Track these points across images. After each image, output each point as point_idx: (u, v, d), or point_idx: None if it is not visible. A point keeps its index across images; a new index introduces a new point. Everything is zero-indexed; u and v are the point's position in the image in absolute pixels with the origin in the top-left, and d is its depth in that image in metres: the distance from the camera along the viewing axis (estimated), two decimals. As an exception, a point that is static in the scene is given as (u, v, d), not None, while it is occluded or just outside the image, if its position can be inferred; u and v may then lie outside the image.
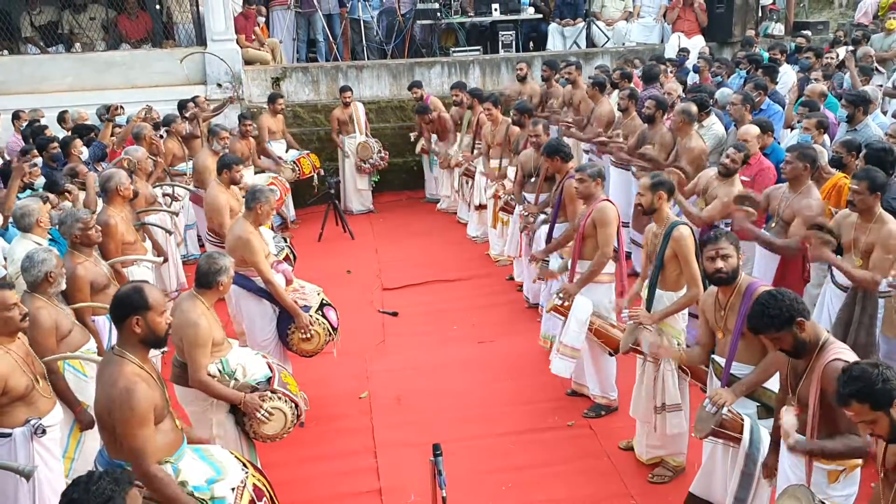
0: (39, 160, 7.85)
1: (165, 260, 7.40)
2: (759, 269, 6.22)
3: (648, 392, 5.09)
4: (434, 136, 11.36)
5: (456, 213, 11.12)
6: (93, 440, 4.55)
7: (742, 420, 4.18)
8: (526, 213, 7.58)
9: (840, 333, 5.10)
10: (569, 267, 6.09)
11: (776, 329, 3.53)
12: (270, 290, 5.90)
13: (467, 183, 10.22)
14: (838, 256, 5.19)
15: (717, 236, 4.29)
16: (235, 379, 4.76)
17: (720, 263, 4.20)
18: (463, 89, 10.84)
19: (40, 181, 7.33)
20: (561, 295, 5.86)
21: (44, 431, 4.21)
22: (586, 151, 9.80)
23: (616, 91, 9.73)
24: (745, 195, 6.08)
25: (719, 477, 4.46)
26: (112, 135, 9.02)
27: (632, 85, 9.59)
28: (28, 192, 6.90)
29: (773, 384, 4.20)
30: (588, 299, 5.76)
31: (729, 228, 6.54)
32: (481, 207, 9.75)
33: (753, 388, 4.21)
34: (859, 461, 3.64)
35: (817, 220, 5.42)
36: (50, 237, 6.00)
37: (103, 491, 2.66)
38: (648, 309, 5.17)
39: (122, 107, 9.71)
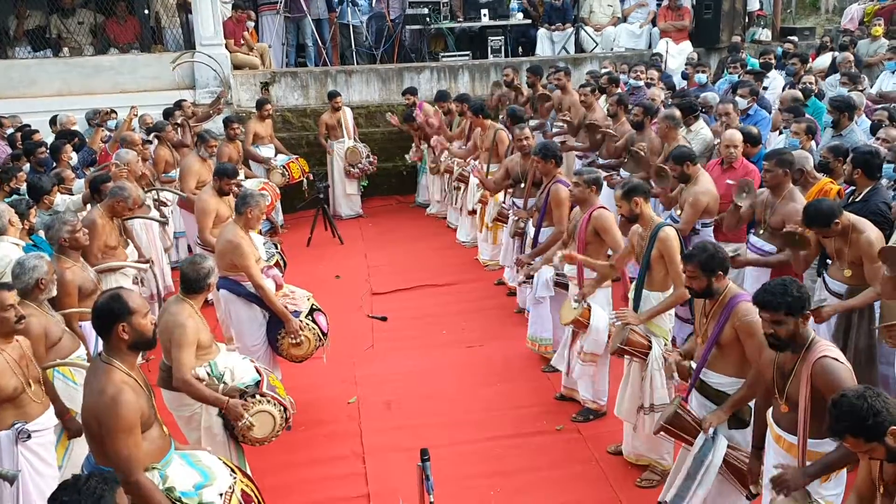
0: (27, 165, 7.82)
1: (144, 270, 7.35)
2: (751, 276, 6.25)
3: (634, 392, 5.13)
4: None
5: (445, 218, 11.13)
6: (81, 448, 4.49)
7: (698, 424, 4.28)
8: (517, 218, 7.59)
9: (840, 340, 5.12)
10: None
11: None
12: (261, 295, 5.90)
13: (459, 188, 10.23)
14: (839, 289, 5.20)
15: (688, 256, 4.32)
16: (224, 382, 4.76)
17: (688, 282, 4.36)
18: (445, 100, 10.84)
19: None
20: (577, 297, 5.83)
21: (29, 436, 4.18)
22: (579, 157, 9.81)
23: (604, 96, 9.77)
24: (745, 182, 6.14)
25: None
26: (102, 140, 8.99)
27: (619, 90, 9.63)
28: (14, 196, 6.87)
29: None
30: (603, 308, 5.80)
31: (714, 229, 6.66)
32: (474, 213, 9.75)
33: (741, 405, 4.27)
34: None
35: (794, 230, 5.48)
36: (32, 243, 5.96)
37: (94, 490, 2.68)
38: (636, 309, 5.21)
39: (113, 111, 9.67)
